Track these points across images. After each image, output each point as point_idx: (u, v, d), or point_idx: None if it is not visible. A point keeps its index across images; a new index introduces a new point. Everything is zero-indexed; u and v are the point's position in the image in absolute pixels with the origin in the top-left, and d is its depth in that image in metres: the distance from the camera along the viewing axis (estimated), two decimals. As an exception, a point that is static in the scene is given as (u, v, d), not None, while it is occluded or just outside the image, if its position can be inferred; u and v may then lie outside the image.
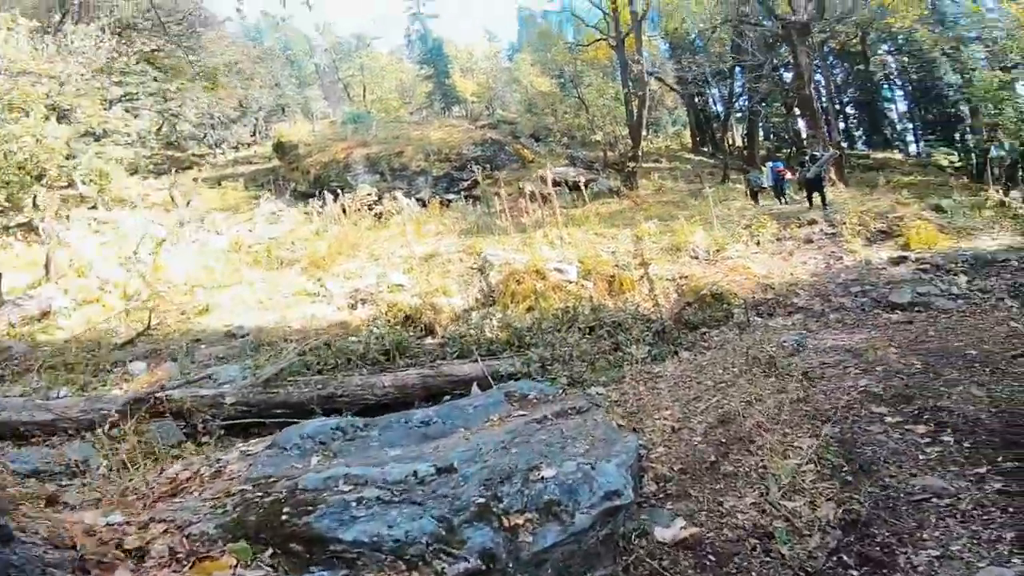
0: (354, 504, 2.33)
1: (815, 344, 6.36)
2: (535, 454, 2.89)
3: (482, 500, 2.41)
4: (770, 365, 5.05)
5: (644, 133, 23.49)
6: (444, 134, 24.97)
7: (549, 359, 5.90)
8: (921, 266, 8.13)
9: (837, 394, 4.63)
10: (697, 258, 9.28)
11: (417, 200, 19.24)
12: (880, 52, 25.01)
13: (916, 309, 7.22)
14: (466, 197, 19.93)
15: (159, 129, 24.07)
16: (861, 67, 23.94)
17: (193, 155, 26.73)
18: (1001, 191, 12.10)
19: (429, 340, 7.68)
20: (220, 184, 23.14)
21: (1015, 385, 4.45)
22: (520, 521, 2.37)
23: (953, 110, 23.15)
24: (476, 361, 6.22)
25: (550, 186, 15.42)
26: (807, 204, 11.40)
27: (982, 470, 3.04)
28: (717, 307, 7.94)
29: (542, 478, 2.61)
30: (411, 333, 7.59)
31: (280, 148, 25.31)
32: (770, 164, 15.88)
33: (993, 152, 20.34)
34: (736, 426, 4.10)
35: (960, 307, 7.16)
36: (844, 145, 25.96)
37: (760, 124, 28.87)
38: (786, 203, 13.70)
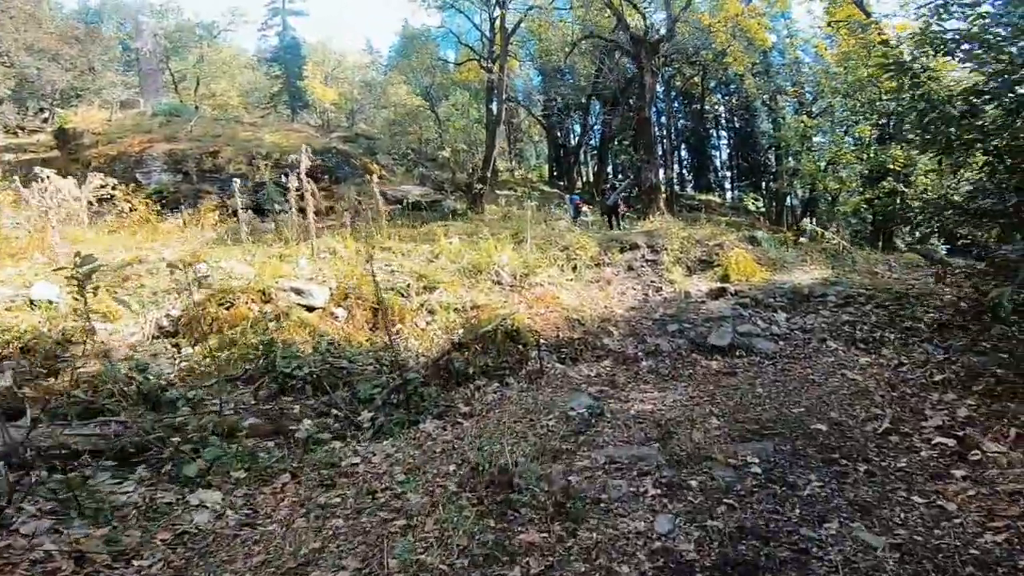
0: None
1: (615, 410, 4.14)
2: None
3: None
4: (500, 484, 2.52)
5: (496, 155, 21.63)
6: (280, 138, 20.83)
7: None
8: (741, 300, 6.58)
9: (604, 559, 2.21)
10: (500, 283, 6.93)
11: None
12: (715, 100, 25.94)
13: (737, 353, 5.49)
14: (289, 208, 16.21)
15: None
16: (697, 107, 24.52)
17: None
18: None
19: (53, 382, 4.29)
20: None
21: (921, 507, 2.51)
22: None
23: (763, 158, 24.37)
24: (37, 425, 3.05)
25: (380, 202, 12.70)
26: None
27: None
28: (510, 348, 5.55)
29: None
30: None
31: (62, 135, 19.25)
32: (568, 197, 15.44)
33: (788, 200, 21.58)
34: None
35: (783, 350, 5.57)
36: (676, 188, 26.57)
37: (609, 160, 28.84)
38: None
